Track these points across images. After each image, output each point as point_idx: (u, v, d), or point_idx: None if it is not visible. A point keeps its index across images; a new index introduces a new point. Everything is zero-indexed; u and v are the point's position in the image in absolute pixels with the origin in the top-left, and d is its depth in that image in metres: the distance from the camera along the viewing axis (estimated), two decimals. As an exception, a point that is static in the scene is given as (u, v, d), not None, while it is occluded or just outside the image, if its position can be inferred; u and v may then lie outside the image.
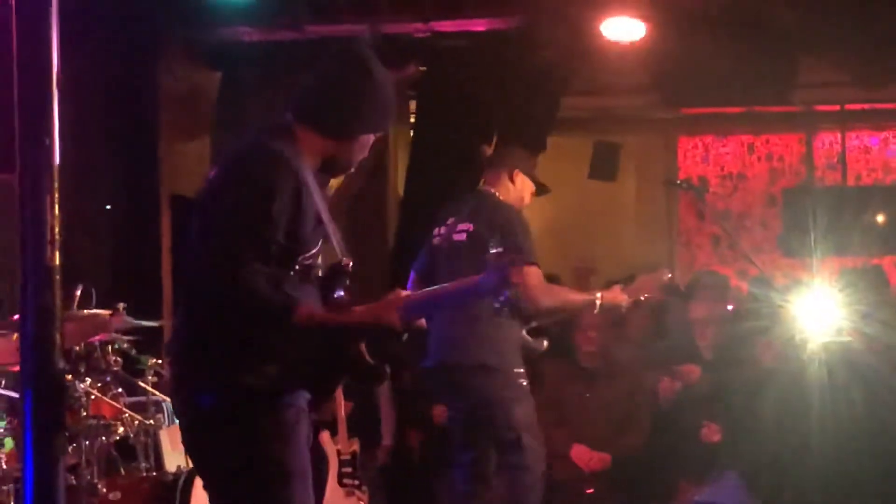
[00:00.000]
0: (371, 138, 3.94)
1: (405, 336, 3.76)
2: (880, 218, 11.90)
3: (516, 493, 5.98)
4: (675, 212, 12.64)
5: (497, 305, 5.01)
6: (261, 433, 3.63)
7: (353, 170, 4.07)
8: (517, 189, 6.19)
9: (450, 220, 6.15)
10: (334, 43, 3.98)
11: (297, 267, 3.68)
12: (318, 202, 3.74)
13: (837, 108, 12.32)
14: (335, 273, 3.84)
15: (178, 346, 3.76)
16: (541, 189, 6.32)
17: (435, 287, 4.42)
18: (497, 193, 6.13)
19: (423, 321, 3.90)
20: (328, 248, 3.85)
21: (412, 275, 6.19)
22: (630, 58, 8.86)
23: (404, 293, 3.80)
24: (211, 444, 3.69)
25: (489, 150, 6.29)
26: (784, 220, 12.22)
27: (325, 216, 3.77)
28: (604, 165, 11.32)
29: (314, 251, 3.74)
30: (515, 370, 5.92)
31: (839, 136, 12.45)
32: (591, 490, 7.33)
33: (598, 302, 6.05)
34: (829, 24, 8.56)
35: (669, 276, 6.40)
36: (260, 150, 3.70)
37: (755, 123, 12.48)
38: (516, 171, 6.18)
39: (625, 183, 11.93)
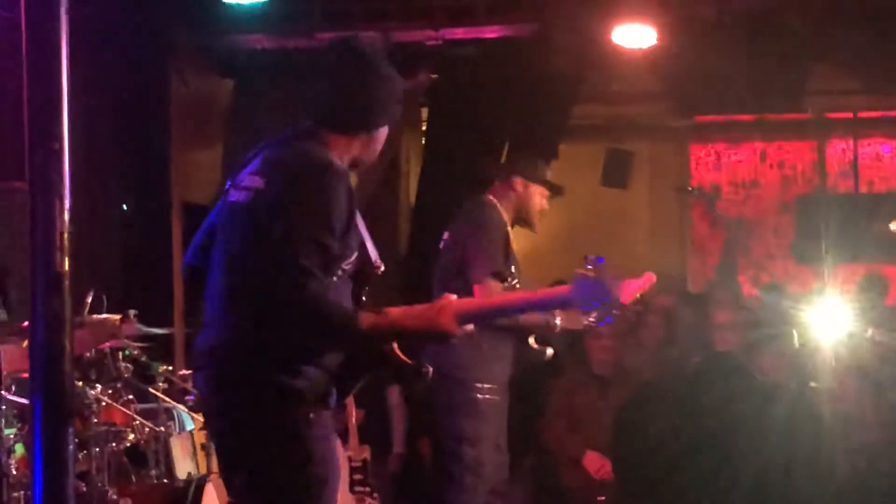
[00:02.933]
0: (387, 129, 4.03)
1: (455, 340, 3.83)
2: (893, 225, 11.87)
3: (444, 500, 6.01)
4: (687, 219, 12.62)
5: (592, 321, 5.01)
6: (307, 435, 3.70)
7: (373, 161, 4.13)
8: (521, 196, 6.18)
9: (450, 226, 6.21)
10: (334, 47, 4.04)
11: (339, 272, 3.75)
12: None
13: (850, 115, 12.29)
14: (365, 275, 3.91)
15: (221, 349, 3.78)
16: (554, 191, 6.33)
17: (504, 294, 4.47)
18: (495, 201, 6.14)
19: (471, 326, 3.92)
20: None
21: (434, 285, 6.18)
22: (642, 65, 8.86)
23: (453, 297, 3.85)
24: (252, 444, 3.73)
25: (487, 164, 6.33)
26: (796, 227, 12.19)
27: (361, 223, 3.86)
28: (616, 173, 11.32)
29: (354, 257, 3.81)
30: (478, 384, 5.90)
31: (851, 143, 12.43)
32: (603, 498, 7.31)
33: (557, 323, 5.99)
34: (841, 32, 8.55)
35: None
36: (313, 160, 3.77)
37: (767, 131, 12.46)
38: (517, 178, 6.17)
39: (637, 190, 11.92)
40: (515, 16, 8.57)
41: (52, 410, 3.11)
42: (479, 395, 5.89)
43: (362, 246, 3.86)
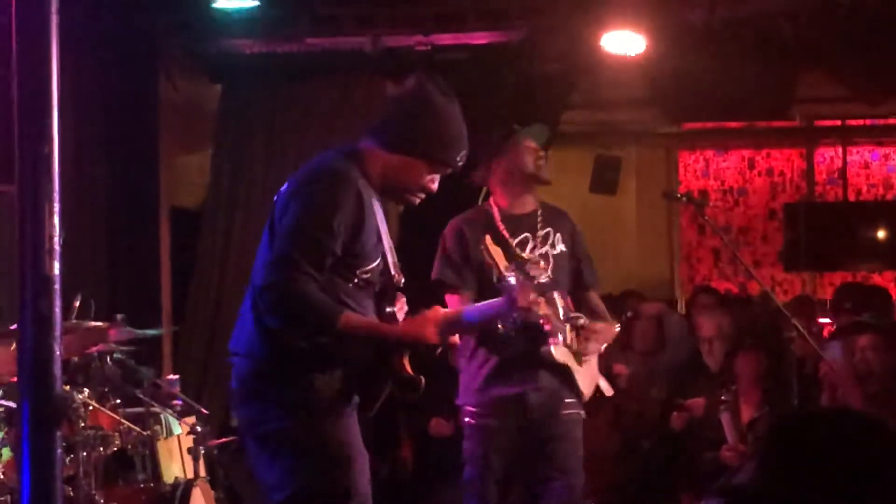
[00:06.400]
0: (436, 177, 4.24)
1: (440, 350, 4.14)
2: (881, 233, 11.90)
3: None
4: (675, 226, 12.63)
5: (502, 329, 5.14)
6: (321, 420, 4.01)
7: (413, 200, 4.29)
8: None
9: None
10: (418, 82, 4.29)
11: (355, 280, 4.02)
12: (380, 221, 4.10)
13: (838, 123, 12.33)
14: (387, 289, 4.17)
15: (245, 342, 4.06)
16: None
17: (470, 307, 4.72)
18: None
19: (455, 338, 4.25)
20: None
21: None
22: (631, 72, 8.87)
23: (442, 309, 4.18)
24: (274, 428, 4.01)
25: None
26: (785, 235, 12.21)
27: (385, 236, 4.13)
28: (604, 179, 11.32)
29: (373, 266, 4.07)
30: (465, 408, 5.93)
31: (840, 150, 12.46)
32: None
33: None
34: (829, 40, 8.57)
35: None
36: (325, 168, 4.06)
37: (756, 138, 12.49)
38: None
39: (626, 197, 11.93)
40: (505, 22, 8.56)
41: (40, 414, 3.11)
42: (464, 419, 5.89)
43: (383, 258, 4.13)
